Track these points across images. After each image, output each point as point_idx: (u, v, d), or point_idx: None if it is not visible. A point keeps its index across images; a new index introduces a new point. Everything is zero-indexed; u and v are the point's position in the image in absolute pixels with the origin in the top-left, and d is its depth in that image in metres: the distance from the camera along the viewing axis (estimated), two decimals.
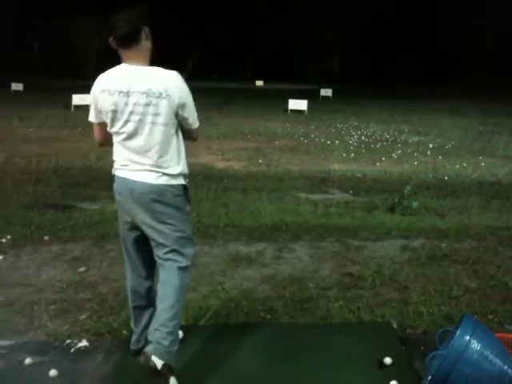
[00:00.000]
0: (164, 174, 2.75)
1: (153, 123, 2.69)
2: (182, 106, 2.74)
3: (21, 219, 5.98)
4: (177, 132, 2.81)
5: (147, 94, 2.66)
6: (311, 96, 25.93)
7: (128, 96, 2.67)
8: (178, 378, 2.73)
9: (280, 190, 8.20)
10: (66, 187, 8.03)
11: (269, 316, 3.76)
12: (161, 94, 2.66)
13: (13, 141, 12.44)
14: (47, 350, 3.20)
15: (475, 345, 2.49)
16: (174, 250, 2.80)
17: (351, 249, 5.23)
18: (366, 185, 8.89)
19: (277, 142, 13.62)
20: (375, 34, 53.56)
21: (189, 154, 10.48)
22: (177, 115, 2.75)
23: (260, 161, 10.85)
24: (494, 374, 2.47)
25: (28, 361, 3.05)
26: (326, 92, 31.15)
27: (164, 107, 2.68)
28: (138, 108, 2.67)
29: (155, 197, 2.72)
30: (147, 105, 2.67)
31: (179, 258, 2.81)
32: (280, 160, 11.06)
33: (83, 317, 3.68)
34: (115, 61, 2.79)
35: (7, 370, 3.00)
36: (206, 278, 4.43)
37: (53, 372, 2.93)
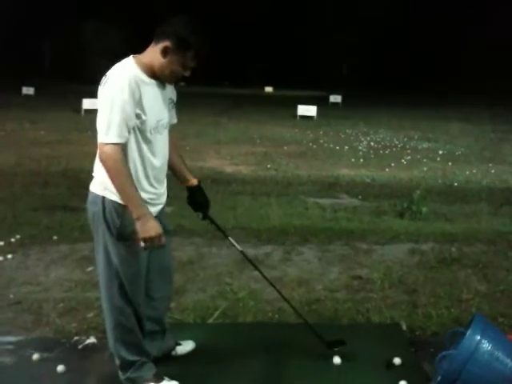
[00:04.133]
0: None
1: None
2: None
3: (30, 220, 6.00)
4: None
5: None
6: (320, 102, 25.89)
7: None
8: (183, 375, 2.75)
9: (288, 195, 8.18)
10: (75, 189, 8.03)
11: (277, 316, 3.75)
12: None
13: (23, 143, 12.50)
14: (55, 347, 3.21)
15: (486, 345, 2.46)
16: None
17: (360, 252, 5.21)
18: (374, 190, 8.83)
19: (285, 148, 13.60)
20: (385, 41, 53.58)
21: (198, 158, 10.44)
22: None
23: (268, 165, 10.83)
24: (505, 375, 2.44)
25: (36, 356, 3.05)
26: (335, 98, 31.06)
27: None
28: None
29: None
30: None
31: None
32: (288, 165, 11.03)
33: (91, 315, 3.68)
34: None
35: (15, 366, 3.00)
36: (214, 278, 4.43)
37: (60, 368, 2.94)
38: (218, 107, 25.58)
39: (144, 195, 2.61)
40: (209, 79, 48.84)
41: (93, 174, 2.64)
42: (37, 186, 8.08)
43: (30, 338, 3.32)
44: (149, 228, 2.47)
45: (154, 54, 2.55)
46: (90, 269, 4.54)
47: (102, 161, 2.47)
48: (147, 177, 2.63)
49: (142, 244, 2.51)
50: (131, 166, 2.56)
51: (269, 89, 48.52)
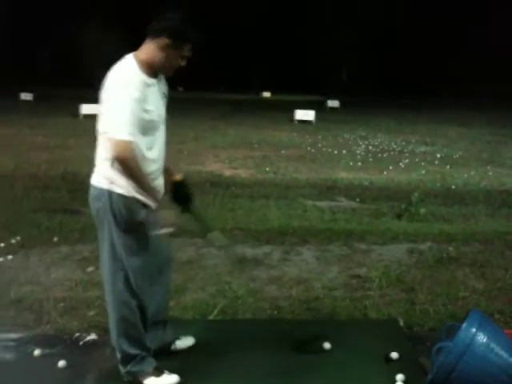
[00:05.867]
0: None
1: None
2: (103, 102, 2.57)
3: (30, 222, 6.03)
4: None
5: None
6: (318, 107, 25.98)
7: None
8: (183, 369, 2.81)
9: (287, 197, 8.21)
10: (74, 193, 8.06)
11: (275, 313, 3.78)
12: None
13: (22, 148, 12.52)
14: (56, 343, 3.24)
15: (481, 337, 2.50)
16: None
17: (358, 252, 5.24)
18: (372, 193, 8.87)
19: (283, 151, 13.64)
20: (384, 45, 53.74)
21: (196, 162, 10.41)
22: None
23: (267, 169, 10.86)
24: (500, 366, 2.47)
25: (37, 352, 3.09)
26: (333, 103, 31.21)
27: None
28: None
29: None
30: None
31: None
32: (287, 168, 11.07)
33: (91, 313, 3.71)
34: None
35: (17, 361, 3.04)
36: (213, 278, 4.46)
37: (62, 363, 2.97)
38: (216, 112, 25.64)
39: None
40: (206, 84, 48.94)
41: (94, 169, 2.68)
42: (36, 189, 8.10)
43: (31, 335, 3.36)
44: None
45: (151, 50, 2.61)
46: (90, 269, 4.57)
47: (119, 159, 2.48)
48: (149, 172, 2.68)
49: (168, 229, 2.63)
50: None
51: (266, 93, 48.68)
